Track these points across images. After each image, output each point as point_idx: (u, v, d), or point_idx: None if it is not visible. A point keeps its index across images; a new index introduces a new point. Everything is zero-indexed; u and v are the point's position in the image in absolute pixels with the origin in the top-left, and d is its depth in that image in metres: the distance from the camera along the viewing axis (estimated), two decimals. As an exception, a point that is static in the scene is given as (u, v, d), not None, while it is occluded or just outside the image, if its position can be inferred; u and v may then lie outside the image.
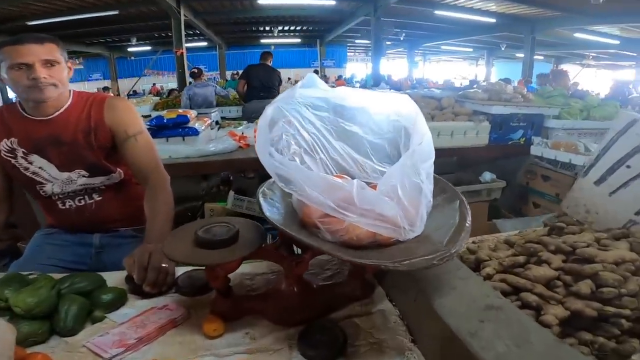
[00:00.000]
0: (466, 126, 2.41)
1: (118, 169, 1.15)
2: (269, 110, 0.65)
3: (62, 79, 1.02)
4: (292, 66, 14.47)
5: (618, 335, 0.64)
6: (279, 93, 4.31)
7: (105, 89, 11.15)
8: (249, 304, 0.76)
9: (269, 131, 0.64)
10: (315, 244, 0.60)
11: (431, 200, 0.65)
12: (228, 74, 12.44)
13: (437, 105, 2.60)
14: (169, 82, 10.47)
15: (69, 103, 1.08)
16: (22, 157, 1.05)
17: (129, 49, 13.93)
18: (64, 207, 1.13)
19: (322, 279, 0.88)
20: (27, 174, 1.07)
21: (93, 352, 0.66)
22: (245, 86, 4.37)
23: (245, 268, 0.89)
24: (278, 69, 4.63)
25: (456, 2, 8.28)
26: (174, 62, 8.39)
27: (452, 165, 2.62)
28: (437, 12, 8.63)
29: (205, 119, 2.59)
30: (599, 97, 3.93)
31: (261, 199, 0.69)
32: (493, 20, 9.14)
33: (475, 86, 2.94)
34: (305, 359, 0.65)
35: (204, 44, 13.49)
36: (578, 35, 9.70)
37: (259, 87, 4.30)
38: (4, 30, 7.85)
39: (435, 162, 0.67)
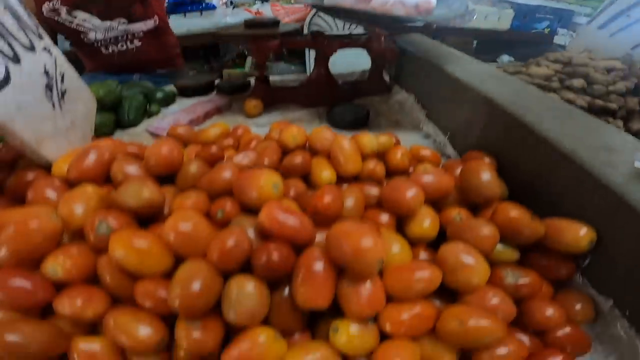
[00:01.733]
0: (487, 10, 2.25)
1: (155, 16, 1.16)
2: None
3: None
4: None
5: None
6: None
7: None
8: (283, 91, 0.82)
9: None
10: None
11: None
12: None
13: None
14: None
15: None
16: (66, 13, 1.06)
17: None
18: (107, 52, 1.16)
19: (345, 81, 0.92)
20: (72, 26, 1.09)
21: (153, 134, 0.74)
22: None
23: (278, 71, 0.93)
24: None
25: None
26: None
27: (469, 52, 2.51)
28: None
29: (221, -6, 2.42)
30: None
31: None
32: None
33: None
34: (331, 125, 0.71)
35: None
36: None
37: None
38: None
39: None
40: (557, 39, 2.33)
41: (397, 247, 0.36)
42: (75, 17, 1.11)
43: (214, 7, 2.29)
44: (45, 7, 1.09)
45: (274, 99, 0.80)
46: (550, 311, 0.35)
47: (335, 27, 2.05)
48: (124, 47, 1.18)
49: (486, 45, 2.60)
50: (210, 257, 0.32)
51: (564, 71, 0.76)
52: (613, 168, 0.36)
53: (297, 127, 0.51)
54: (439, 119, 0.70)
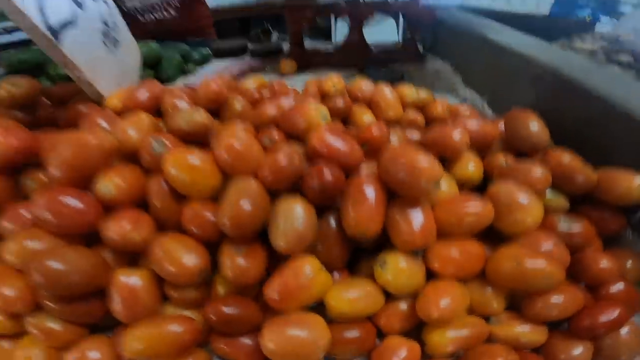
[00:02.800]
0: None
1: None
2: None
3: None
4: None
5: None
6: None
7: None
8: (317, 56, 0.83)
9: None
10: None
11: None
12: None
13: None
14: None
15: None
16: None
17: None
18: (144, 20, 1.21)
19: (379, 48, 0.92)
20: None
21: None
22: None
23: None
24: None
25: None
26: None
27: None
28: None
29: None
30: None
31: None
32: None
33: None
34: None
35: None
36: None
37: None
38: None
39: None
40: (600, 27, 2.23)
41: (444, 185, 0.36)
42: None
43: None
44: None
45: (309, 62, 0.80)
46: (605, 263, 0.33)
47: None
48: (161, 16, 1.23)
49: (522, 31, 2.50)
50: (262, 174, 0.32)
51: (609, 47, 0.74)
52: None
53: (337, 75, 0.52)
54: (477, 84, 0.69)
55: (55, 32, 0.40)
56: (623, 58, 0.73)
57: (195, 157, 0.33)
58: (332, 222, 0.33)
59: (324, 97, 0.50)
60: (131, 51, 0.62)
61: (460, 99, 0.69)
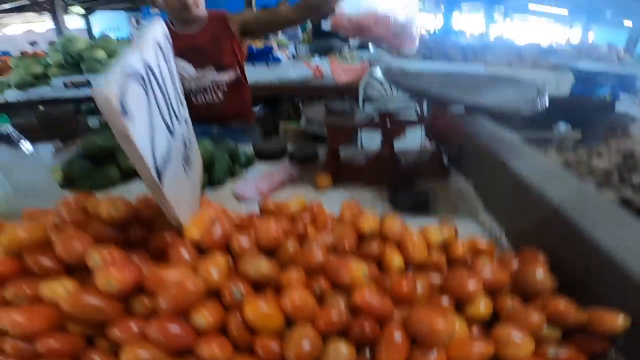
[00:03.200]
0: (546, 76, 2.35)
1: (237, 66, 1.42)
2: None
3: (201, 1, 1.26)
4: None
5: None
6: None
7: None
8: (351, 169, 0.97)
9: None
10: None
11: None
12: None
13: (516, 55, 2.53)
14: None
15: (204, 20, 1.32)
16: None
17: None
18: (196, 103, 1.41)
19: (407, 162, 1.05)
20: None
21: (237, 196, 0.91)
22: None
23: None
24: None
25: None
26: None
27: (528, 117, 2.59)
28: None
29: (286, 49, 2.76)
30: None
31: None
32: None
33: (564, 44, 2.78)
34: (394, 208, 0.84)
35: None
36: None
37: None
38: None
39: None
40: (619, 105, 2.35)
41: (457, 326, 0.49)
42: (177, 64, 1.35)
43: (279, 60, 2.59)
44: None
45: (342, 175, 0.95)
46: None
47: (390, 89, 2.24)
48: (212, 99, 1.42)
49: (542, 112, 2.65)
50: (318, 324, 0.45)
51: (625, 164, 0.83)
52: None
53: (372, 216, 0.64)
54: (496, 211, 0.80)
55: (160, 173, 0.49)
56: (635, 181, 0.82)
57: (266, 306, 0.46)
58: (367, 355, 0.46)
59: (359, 234, 0.61)
60: (198, 164, 0.75)
61: (480, 225, 0.79)
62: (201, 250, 0.56)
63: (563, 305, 0.49)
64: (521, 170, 0.73)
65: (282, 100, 2.80)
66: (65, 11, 9.74)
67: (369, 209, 0.82)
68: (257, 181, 0.93)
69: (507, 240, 0.73)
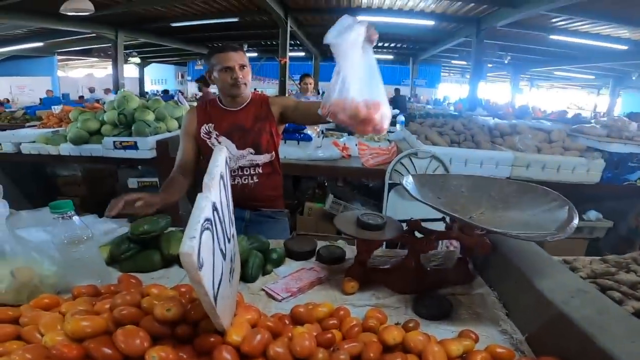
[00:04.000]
0: (576, 162, 2.44)
1: (273, 151, 1.57)
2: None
3: (249, 79, 1.49)
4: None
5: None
6: None
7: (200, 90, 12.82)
8: (376, 274, 1.07)
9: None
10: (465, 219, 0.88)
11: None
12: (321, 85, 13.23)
13: (545, 138, 2.66)
14: (268, 87, 11.52)
15: (250, 98, 1.53)
16: (215, 138, 1.52)
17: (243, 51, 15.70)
18: (233, 183, 1.55)
19: (432, 266, 1.13)
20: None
21: (269, 294, 1.01)
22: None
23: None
24: None
25: (577, 27, 7.83)
26: (275, 69, 9.28)
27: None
28: (552, 36, 8.26)
29: (316, 127, 3.01)
30: None
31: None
32: (624, 47, 8.42)
33: (593, 121, 2.91)
34: (417, 315, 0.92)
35: (302, 54, 14.61)
36: None
37: None
38: (151, 29, 9.66)
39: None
40: None
41: None
42: (220, 143, 1.50)
43: (310, 138, 2.81)
44: (203, 129, 1.51)
45: (368, 279, 1.05)
46: None
47: (415, 171, 2.39)
48: (247, 181, 1.56)
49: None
50: None
51: None
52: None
53: (397, 327, 0.73)
54: (518, 319, 0.87)
55: (215, 297, 0.62)
56: None
57: None
58: None
59: (384, 344, 0.70)
60: (237, 264, 0.86)
61: (502, 330, 0.86)
62: (240, 354, 0.66)
63: None
64: (545, 290, 0.82)
65: (308, 178, 3.00)
66: (126, 60, 11.11)
67: (393, 315, 0.91)
68: (288, 281, 1.04)
69: (528, 347, 0.79)
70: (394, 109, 7.44)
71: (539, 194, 0.99)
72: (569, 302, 0.75)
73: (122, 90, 3.40)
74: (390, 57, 15.38)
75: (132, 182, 2.92)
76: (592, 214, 2.45)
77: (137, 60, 13.31)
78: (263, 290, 1.02)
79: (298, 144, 2.72)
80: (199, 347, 0.69)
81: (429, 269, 1.06)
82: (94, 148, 2.70)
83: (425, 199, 0.93)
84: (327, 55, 15.32)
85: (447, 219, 1.06)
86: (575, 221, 0.84)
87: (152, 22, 9.63)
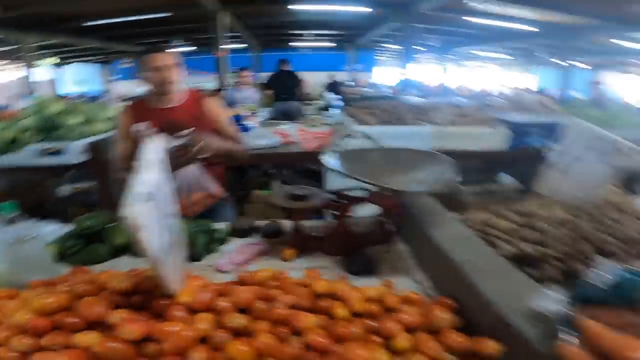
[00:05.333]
0: (485, 132, 2.74)
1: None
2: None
3: (180, 78, 1.54)
4: (321, 69, 14.89)
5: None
6: (299, 94, 5.28)
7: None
8: (312, 241, 1.21)
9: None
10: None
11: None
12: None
13: (460, 112, 2.96)
14: (208, 82, 11.19)
15: (183, 96, 1.58)
16: (150, 135, 1.54)
17: (173, 50, 14.83)
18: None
19: (358, 230, 1.29)
20: None
21: (217, 269, 1.11)
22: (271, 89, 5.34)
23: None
24: (297, 73, 5.59)
25: (493, 10, 8.47)
26: (213, 63, 9.03)
27: (473, 170, 2.95)
28: (468, 18, 8.86)
29: (255, 117, 3.07)
30: (629, 106, 4.05)
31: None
32: (534, 28, 9.26)
33: (498, 95, 3.27)
34: (347, 272, 1.07)
35: (241, 46, 14.26)
36: (618, 42, 9.62)
37: (280, 90, 5.01)
38: (61, 29, 8.80)
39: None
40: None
41: (382, 355, 0.70)
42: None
43: (248, 129, 2.88)
44: (137, 127, 1.55)
45: (305, 247, 1.19)
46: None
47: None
48: None
49: (486, 164, 3.08)
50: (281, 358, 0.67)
51: (522, 223, 1.10)
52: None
53: (325, 280, 0.87)
54: (426, 269, 1.06)
55: (160, 260, 0.71)
56: (529, 236, 1.08)
57: (243, 347, 0.68)
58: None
59: (316, 292, 0.83)
60: (181, 246, 0.96)
61: (415, 280, 1.03)
62: (191, 311, 0.77)
63: (456, 337, 0.73)
64: (437, 239, 1.01)
65: (254, 168, 3.06)
66: (36, 64, 10.01)
67: (327, 275, 1.05)
68: (232, 255, 1.14)
69: (435, 292, 0.97)
70: (331, 92, 7.63)
71: (435, 158, 1.20)
72: (454, 248, 0.93)
73: (35, 94, 3.13)
74: (331, 44, 15.56)
75: (66, 190, 2.79)
76: (505, 178, 2.78)
77: (54, 60, 12.08)
78: (210, 266, 1.12)
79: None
80: (154, 310, 0.78)
81: (355, 232, 1.22)
82: (15, 158, 2.42)
83: (342, 170, 1.08)
84: (268, 45, 15.15)
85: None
86: (457, 177, 1.04)
87: (68, 20, 8.80)
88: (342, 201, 1.16)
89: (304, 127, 3.09)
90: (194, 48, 14.37)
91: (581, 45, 10.04)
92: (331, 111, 3.71)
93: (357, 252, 1.13)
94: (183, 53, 15.30)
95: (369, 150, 1.32)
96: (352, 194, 1.15)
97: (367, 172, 1.08)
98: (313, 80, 10.80)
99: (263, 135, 2.90)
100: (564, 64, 10.58)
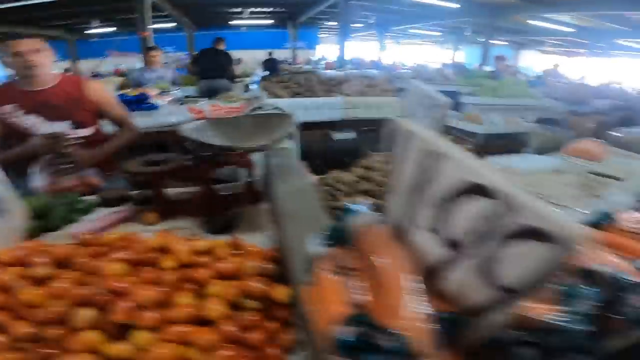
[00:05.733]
0: (390, 100, 2.89)
1: (96, 126, 1.65)
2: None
3: (46, 62, 1.47)
4: (263, 47, 14.49)
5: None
6: (230, 73, 4.96)
7: (67, 70, 11.05)
8: (178, 205, 1.22)
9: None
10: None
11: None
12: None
13: (370, 83, 3.07)
14: (136, 63, 10.43)
15: (56, 80, 1.52)
16: (21, 116, 1.52)
17: (90, 31, 13.58)
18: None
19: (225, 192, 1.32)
20: (22, 128, 1.53)
21: (73, 236, 1.08)
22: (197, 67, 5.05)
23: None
24: (230, 52, 5.32)
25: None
26: (139, 43, 8.44)
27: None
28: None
29: (166, 97, 2.97)
30: (519, 79, 4.42)
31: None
32: (457, 5, 9.65)
33: (405, 68, 3.43)
34: (206, 232, 1.10)
35: (172, 24, 13.40)
36: (534, 22, 10.36)
37: (208, 68, 4.84)
38: None
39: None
40: (449, 121, 2.95)
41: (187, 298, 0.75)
42: (28, 120, 1.53)
43: (155, 107, 2.79)
44: (4, 110, 1.51)
45: (171, 211, 1.20)
46: None
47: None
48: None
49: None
50: (75, 299, 0.69)
51: (364, 175, 1.20)
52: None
53: (162, 236, 0.89)
54: (275, 223, 1.11)
55: None
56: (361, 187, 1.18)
57: (37, 292, 0.69)
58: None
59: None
60: (17, 215, 0.94)
61: (265, 235, 1.09)
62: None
63: (254, 284, 0.79)
64: (279, 192, 1.07)
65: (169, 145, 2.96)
66: None
67: (184, 234, 1.07)
68: (93, 223, 1.13)
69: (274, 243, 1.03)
70: (266, 71, 7.46)
71: (282, 119, 1.26)
72: (287, 199, 1.01)
73: None
74: (270, 21, 15.11)
75: None
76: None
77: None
78: (66, 235, 1.09)
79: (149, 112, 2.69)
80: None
81: (219, 194, 1.25)
82: None
83: (200, 137, 1.10)
84: (204, 24, 14.35)
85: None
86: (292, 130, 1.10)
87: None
88: (202, 165, 1.18)
89: (218, 103, 3.03)
90: (114, 29, 13.29)
91: (500, 25, 10.66)
92: (251, 87, 3.66)
93: (219, 213, 1.16)
94: (107, 34, 14.29)
95: (229, 119, 1.36)
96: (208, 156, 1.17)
97: (220, 138, 1.11)
98: (253, 58, 10.51)
99: (173, 112, 2.81)
100: (485, 41, 11.24)
